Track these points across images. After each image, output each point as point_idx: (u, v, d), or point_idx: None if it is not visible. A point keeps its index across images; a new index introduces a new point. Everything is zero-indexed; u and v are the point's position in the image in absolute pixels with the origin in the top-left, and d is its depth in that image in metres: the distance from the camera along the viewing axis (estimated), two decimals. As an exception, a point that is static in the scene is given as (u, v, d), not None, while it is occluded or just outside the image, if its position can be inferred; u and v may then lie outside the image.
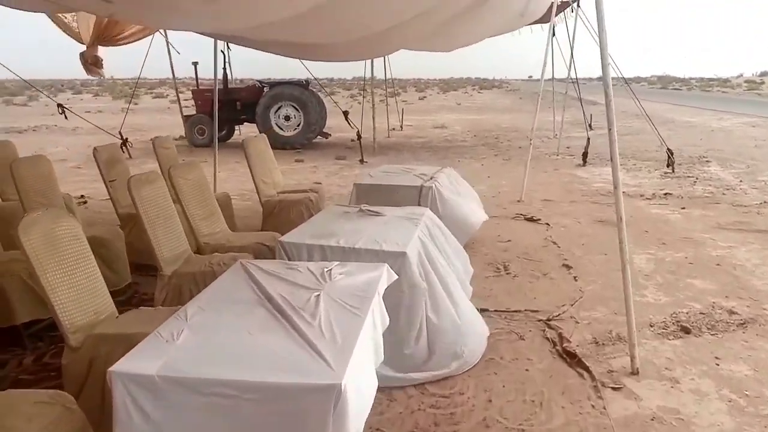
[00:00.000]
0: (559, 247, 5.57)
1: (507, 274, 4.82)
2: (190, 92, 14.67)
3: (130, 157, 11.92)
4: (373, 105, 12.51)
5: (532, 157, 11.29)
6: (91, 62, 7.22)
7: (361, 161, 11.16)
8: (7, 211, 4.58)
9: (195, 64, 13.81)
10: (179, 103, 13.08)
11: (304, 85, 13.60)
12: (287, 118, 13.43)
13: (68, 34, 7.06)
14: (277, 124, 13.46)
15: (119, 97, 39.88)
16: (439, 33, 6.21)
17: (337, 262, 2.78)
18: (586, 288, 4.50)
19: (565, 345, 3.51)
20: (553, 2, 8.12)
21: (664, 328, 3.86)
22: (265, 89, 13.70)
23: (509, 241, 5.76)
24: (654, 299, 4.33)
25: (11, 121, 20.55)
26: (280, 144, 13.32)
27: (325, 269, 2.67)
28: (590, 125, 17.77)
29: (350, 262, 2.97)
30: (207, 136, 13.72)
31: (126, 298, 4.47)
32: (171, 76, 13.09)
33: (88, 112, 28.21)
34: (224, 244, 3.95)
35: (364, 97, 14.73)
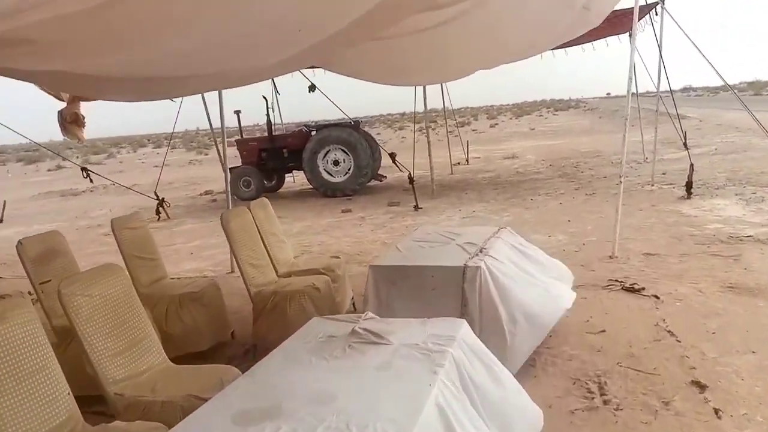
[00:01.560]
0: (678, 341, 3.78)
1: (604, 403, 3.10)
2: (235, 143, 13.78)
3: (168, 217, 11.05)
4: (429, 140, 11.03)
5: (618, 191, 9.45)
6: (71, 120, 6.13)
7: (416, 208, 9.65)
8: None
9: (237, 113, 12.95)
10: (219, 156, 12.10)
11: (352, 126, 12.35)
12: (336, 162, 12.17)
13: (44, 91, 6.05)
14: (325, 170, 12.23)
15: (192, 149, 40.60)
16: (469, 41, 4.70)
17: None
18: (740, 435, 2.73)
19: None
20: (635, 5, 6.44)
21: None
22: (313, 133, 12.55)
23: (603, 331, 4.02)
24: None
25: (74, 183, 20.58)
26: (330, 191, 12.13)
27: None
28: (685, 144, 15.56)
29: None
30: (253, 189, 12.68)
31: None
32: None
33: (157, 166, 28.49)
34: (144, 397, 2.53)
35: (415, 131, 13.34)
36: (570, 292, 4.02)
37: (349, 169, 12.14)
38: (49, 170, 30.88)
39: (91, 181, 10.25)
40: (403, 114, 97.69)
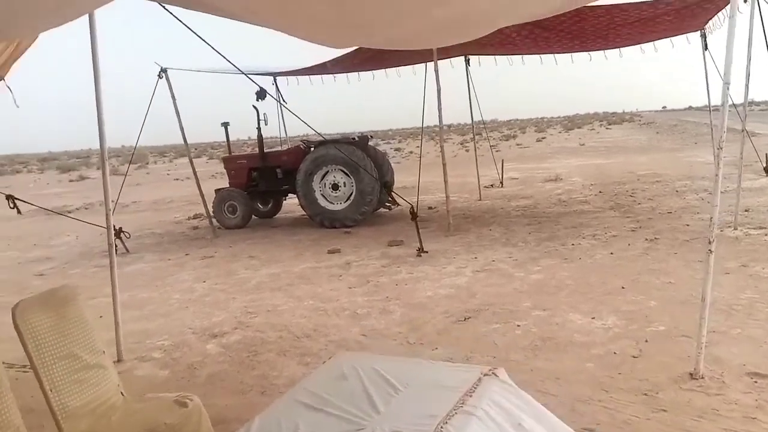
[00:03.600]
0: None
1: None
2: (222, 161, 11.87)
3: (127, 251, 9.19)
4: (444, 159, 8.83)
5: (691, 239, 7.05)
6: None
7: (419, 252, 7.47)
8: None
9: (225, 125, 11.05)
10: (195, 175, 10.26)
11: (356, 142, 10.26)
12: (335, 187, 10.10)
13: None
14: (323, 195, 10.18)
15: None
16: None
17: None
18: None
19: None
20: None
21: None
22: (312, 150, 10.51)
23: None
24: None
25: (79, 198, 19.21)
26: (327, 221, 10.05)
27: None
28: (766, 168, 12.91)
29: None
30: (239, 215, 10.73)
31: None
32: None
33: (178, 179, 27.05)
34: None
35: (422, 148, 11.15)
36: None
37: (350, 195, 10.04)
38: (71, 181, 29.91)
39: (19, 211, 8.50)
40: (450, 126, 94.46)
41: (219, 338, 4.85)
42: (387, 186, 7.95)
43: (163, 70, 9.28)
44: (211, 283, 6.78)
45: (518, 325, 4.64)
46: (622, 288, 5.46)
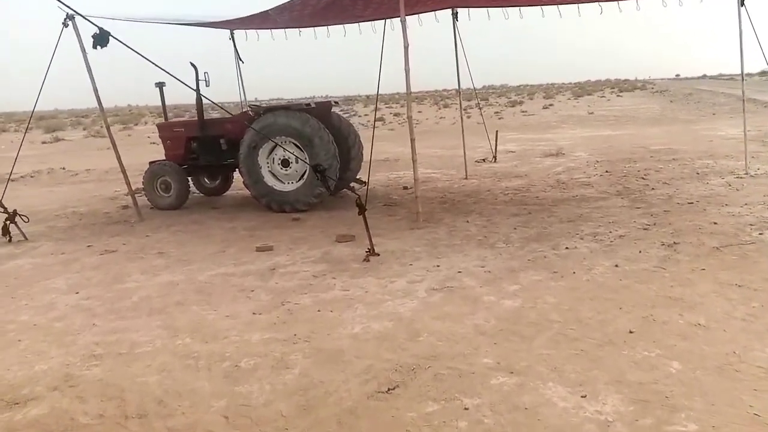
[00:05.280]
0: None
1: None
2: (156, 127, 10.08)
3: (25, 238, 7.54)
4: (412, 134, 7.09)
5: (722, 245, 5.38)
6: None
7: (368, 254, 5.79)
8: None
9: (160, 85, 9.26)
10: (114, 145, 8.53)
11: (311, 109, 8.47)
12: (285, 163, 8.37)
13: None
14: (271, 173, 8.46)
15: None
16: None
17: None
18: None
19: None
20: None
21: None
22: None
23: None
24: None
25: (35, 163, 17.54)
26: (276, 204, 8.37)
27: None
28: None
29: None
30: (174, 195, 9.04)
31: None
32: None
33: (153, 143, 25.24)
34: None
35: (376, 117, 9.32)
36: None
37: (303, 174, 8.32)
38: (43, 143, 28.14)
39: None
40: (459, 91, 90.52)
41: (14, 411, 3.20)
42: (316, 169, 6.30)
43: (70, 17, 7.50)
44: (83, 296, 5.12)
45: (465, 408, 2.98)
46: (630, 333, 3.77)
